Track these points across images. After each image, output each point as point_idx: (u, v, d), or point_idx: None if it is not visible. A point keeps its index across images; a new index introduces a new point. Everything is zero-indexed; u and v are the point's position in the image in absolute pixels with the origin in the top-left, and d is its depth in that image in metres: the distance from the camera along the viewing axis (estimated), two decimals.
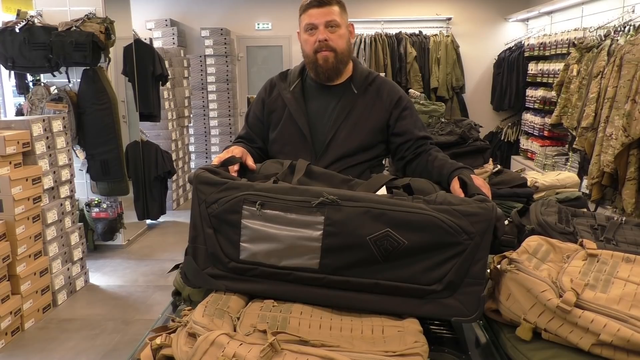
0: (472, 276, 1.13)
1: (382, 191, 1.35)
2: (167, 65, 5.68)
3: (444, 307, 1.13)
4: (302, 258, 1.14)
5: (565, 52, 5.20)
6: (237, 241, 1.17)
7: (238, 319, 1.07)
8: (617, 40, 3.80)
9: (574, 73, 4.25)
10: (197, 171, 1.26)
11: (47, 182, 3.73)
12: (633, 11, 4.08)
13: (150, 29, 7.02)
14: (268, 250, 1.16)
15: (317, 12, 1.68)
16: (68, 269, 3.94)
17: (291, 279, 1.15)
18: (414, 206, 1.14)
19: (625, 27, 3.88)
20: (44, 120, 3.74)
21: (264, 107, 1.84)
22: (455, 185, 1.45)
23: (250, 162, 1.50)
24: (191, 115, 7.03)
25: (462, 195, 1.37)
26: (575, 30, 5.20)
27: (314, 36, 1.70)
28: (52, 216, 3.74)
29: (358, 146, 1.74)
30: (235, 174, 1.41)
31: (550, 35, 5.84)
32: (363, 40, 6.76)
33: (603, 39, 4.02)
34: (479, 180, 1.44)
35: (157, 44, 6.59)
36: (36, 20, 4.45)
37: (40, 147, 3.68)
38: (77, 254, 4.08)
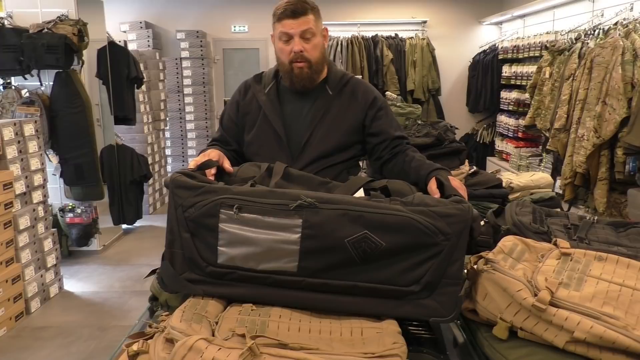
0: (449, 277, 1.14)
1: (360, 193, 1.35)
2: (142, 68, 5.61)
3: (422, 308, 1.14)
4: (281, 261, 1.14)
5: (537, 54, 5.30)
6: (215, 245, 1.16)
7: (216, 323, 1.06)
8: (588, 43, 3.89)
9: (547, 75, 4.33)
10: (174, 175, 1.24)
11: (19, 187, 3.65)
12: (602, 15, 4.19)
13: (124, 31, 6.93)
14: (246, 253, 1.15)
15: (291, 22, 1.65)
16: (41, 276, 3.86)
17: (270, 282, 1.15)
18: (391, 208, 1.15)
19: (595, 31, 3.98)
20: (15, 124, 3.66)
21: (238, 110, 1.83)
22: (432, 185, 1.46)
23: (227, 165, 1.49)
24: (167, 119, 6.95)
25: (439, 195, 1.39)
26: (547, 33, 5.30)
27: (289, 46, 1.68)
28: (24, 222, 3.66)
29: (334, 147, 1.75)
30: (212, 178, 1.40)
31: (523, 38, 5.95)
32: (340, 43, 6.79)
33: (574, 42, 4.11)
34: (456, 182, 1.46)
35: (131, 47, 6.50)
36: (6, 22, 4.35)
37: (11, 152, 3.60)
38: (51, 260, 4.00)
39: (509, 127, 6.03)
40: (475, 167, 2.30)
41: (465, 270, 1.20)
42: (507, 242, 1.21)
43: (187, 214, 1.19)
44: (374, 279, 1.14)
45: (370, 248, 1.12)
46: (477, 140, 7.06)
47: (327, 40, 1.82)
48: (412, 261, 1.13)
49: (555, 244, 1.22)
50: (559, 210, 1.63)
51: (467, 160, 2.41)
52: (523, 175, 2.34)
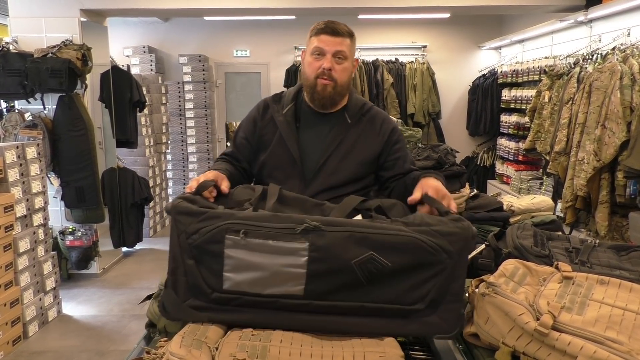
0: (452, 293, 1.16)
1: (357, 217, 1.36)
2: (144, 92, 5.66)
3: (427, 325, 1.16)
4: (287, 285, 1.14)
5: (536, 79, 5.35)
6: (220, 271, 1.16)
7: (217, 349, 1.05)
8: (586, 67, 3.92)
9: (546, 99, 4.36)
10: (175, 201, 1.23)
11: (20, 210, 3.65)
12: (600, 40, 4.24)
13: (128, 56, 7.00)
14: (252, 278, 1.15)
15: (329, 39, 1.67)
16: (40, 299, 3.83)
17: (276, 306, 1.15)
18: (395, 228, 1.17)
19: (592, 56, 4.02)
20: (17, 147, 3.68)
21: (255, 129, 1.79)
22: (416, 195, 1.43)
23: (224, 186, 1.44)
24: (169, 142, 7.00)
25: (417, 197, 1.39)
26: (545, 58, 5.35)
27: (319, 62, 1.68)
28: (24, 245, 3.65)
29: (347, 178, 1.71)
30: (212, 199, 1.37)
31: (522, 62, 6.00)
32: None
33: (572, 66, 4.14)
34: (442, 191, 1.41)
35: (134, 71, 6.57)
36: (11, 47, 4.41)
37: (13, 175, 3.61)
38: (50, 283, 3.97)
39: (510, 150, 6.05)
40: (475, 190, 2.30)
41: (467, 294, 1.19)
42: (508, 265, 1.21)
43: (191, 241, 1.18)
44: (380, 299, 1.15)
45: (376, 269, 1.13)
46: (478, 163, 7.07)
47: (356, 69, 1.81)
48: (417, 280, 1.15)
49: (557, 268, 1.21)
50: (560, 233, 1.62)
51: (467, 183, 2.41)
52: (524, 199, 2.34)
